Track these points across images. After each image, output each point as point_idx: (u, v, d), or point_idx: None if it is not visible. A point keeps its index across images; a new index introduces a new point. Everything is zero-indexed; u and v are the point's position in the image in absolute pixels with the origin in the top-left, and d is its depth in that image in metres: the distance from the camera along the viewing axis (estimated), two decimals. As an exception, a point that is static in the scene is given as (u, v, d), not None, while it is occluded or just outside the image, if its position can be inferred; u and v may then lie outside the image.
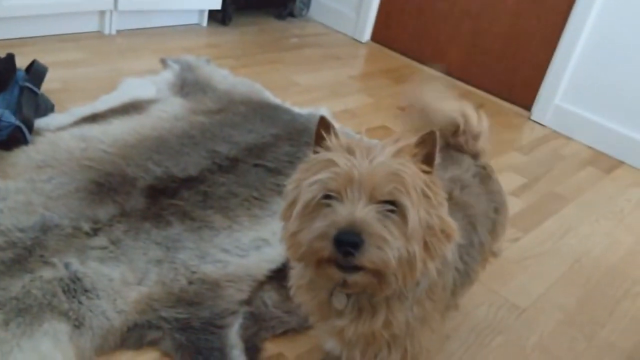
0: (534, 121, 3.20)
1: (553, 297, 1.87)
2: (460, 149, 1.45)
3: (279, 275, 1.65)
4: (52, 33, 2.94)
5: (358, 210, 0.92)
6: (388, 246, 0.92)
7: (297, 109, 2.67)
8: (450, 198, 1.26)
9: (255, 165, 2.16)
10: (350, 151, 0.99)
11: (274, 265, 1.69)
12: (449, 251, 1.04)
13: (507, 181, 1.51)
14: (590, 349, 1.69)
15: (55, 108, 2.27)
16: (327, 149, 1.02)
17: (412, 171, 0.96)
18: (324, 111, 2.69)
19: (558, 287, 1.92)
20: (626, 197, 2.60)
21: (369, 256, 0.92)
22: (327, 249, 0.93)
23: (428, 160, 1.01)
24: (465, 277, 1.27)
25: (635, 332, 1.79)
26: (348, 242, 0.91)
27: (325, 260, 0.95)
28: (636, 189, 2.69)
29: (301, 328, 1.52)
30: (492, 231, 1.39)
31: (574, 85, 3.06)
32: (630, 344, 1.74)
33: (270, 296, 1.60)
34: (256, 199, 1.97)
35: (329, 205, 0.95)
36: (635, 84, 2.85)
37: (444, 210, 1.01)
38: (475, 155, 1.46)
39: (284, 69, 3.20)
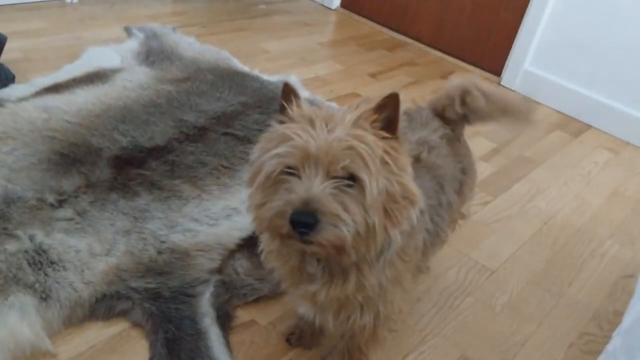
0: (504, 86, 3.21)
1: (522, 259, 1.89)
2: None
3: (249, 243, 1.65)
4: (11, 2, 2.83)
5: (314, 188, 0.91)
6: (343, 223, 0.92)
7: (266, 76, 2.63)
8: (418, 160, 1.26)
9: (224, 134, 2.13)
10: (310, 122, 0.97)
11: (244, 234, 1.68)
12: (414, 215, 1.03)
13: (477, 146, 1.52)
14: (558, 307, 1.72)
15: (16, 78, 2.20)
16: (290, 119, 1.00)
17: (369, 141, 0.94)
18: (294, 79, 2.66)
19: (527, 249, 1.95)
20: (593, 160, 2.64)
21: (324, 234, 0.92)
22: (285, 226, 0.93)
23: (390, 124, 0.98)
24: (435, 237, 1.28)
25: (601, 290, 1.83)
26: (302, 222, 0.91)
27: (286, 235, 0.95)
28: (603, 152, 2.73)
29: (273, 295, 1.52)
30: (459, 192, 1.39)
31: (543, 51, 3.07)
32: (596, 301, 1.78)
33: (241, 264, 1.59)
34: (225, 167, 1.95)
35: (289, 181, 0.95)
36: (603, 49, 2.87)
37: (405, 176, 0.99)
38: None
39: (252, 36, 3.14)
